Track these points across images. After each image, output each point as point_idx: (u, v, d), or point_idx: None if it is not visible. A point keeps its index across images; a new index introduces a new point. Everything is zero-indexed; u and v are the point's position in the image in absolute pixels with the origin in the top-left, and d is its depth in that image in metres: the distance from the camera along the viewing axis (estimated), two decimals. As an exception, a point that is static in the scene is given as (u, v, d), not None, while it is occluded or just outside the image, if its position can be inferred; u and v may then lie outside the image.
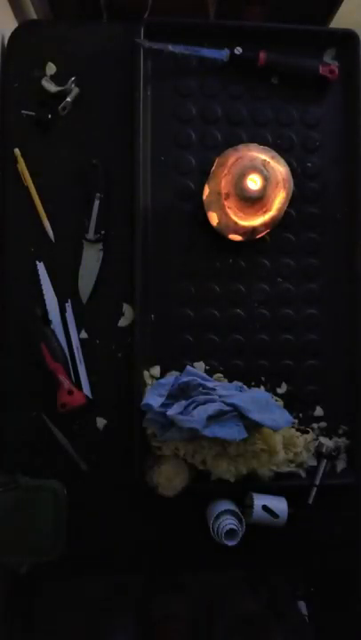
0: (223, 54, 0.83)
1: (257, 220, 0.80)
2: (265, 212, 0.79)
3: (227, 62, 0.83)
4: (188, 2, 0.92)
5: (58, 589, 0.86)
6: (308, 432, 0.85)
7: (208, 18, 0.95)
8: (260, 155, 0.79)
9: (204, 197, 0.81)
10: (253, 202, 0.78)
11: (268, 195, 0.78)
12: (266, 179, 0.77)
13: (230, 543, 0.78)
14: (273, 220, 0.80)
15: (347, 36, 0.85)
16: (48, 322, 0.81)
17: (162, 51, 0.82)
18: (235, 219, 0.79)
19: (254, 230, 0.80)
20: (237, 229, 0.80)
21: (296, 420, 0.84)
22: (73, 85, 0.82)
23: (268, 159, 0.79)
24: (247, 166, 0.78)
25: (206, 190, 0.81)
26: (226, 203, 0.79)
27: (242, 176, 0.77)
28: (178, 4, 0.89)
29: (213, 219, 0.81)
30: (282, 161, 0.80)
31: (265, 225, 0.80)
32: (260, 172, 0.77)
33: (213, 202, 0.80)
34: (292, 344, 0.85)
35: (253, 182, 0.78)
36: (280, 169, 0.79)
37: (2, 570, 0.82)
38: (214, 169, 0.81)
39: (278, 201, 0.79)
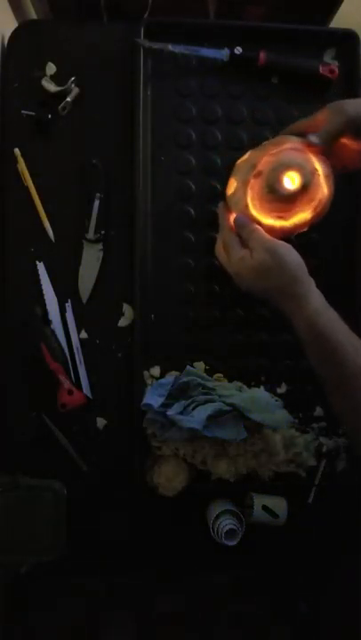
0: (223, 54, 0.83)
1: (284, 222, 0.72)
2: (295, 215, 0.71)
3: (227, 62, 0.83)
4: (188, 2, 0.92)
5: (58, 589, 0.86)
6: (308, 432, 0.85)
7: (208, 18, 0.95)
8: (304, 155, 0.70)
9: (229, 193, 0.74)
10: (285, 201, 0.69)
11: (301, 197, 0.69)
12: (305, 179, 0.68)
13: (230, 543, 0.78)
14: (301, 224, 0.72)
15: (347, 35, 0.85)
16: (48, 322, 0.81)
17: (162, 51, 0.82)
18: (259, 217, 0.71)
19: (276, 231, 0.72)
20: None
21: (296, 420, 0.84)
22: (73, 85, 0.82)
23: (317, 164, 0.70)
24: (286, 162, 0.69)
25: (232, 184, 0.74)
26: (253, 199, 0.71)
27: (278, 172, 0.68)
28: (178, 3, 0.89)
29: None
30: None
31: (298, 226, 0.72)
32: (299, 169, 0.68)
33: (239, 200, 0.72)
34: (292, 344, 0.85)
35: (291, 180, 0.68)
36: (321, 167, 0.70)
37: (2, 570, 0.82)
38: (242, 165, 0.73)
39: (312, 206, 0.71)
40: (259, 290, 0.70)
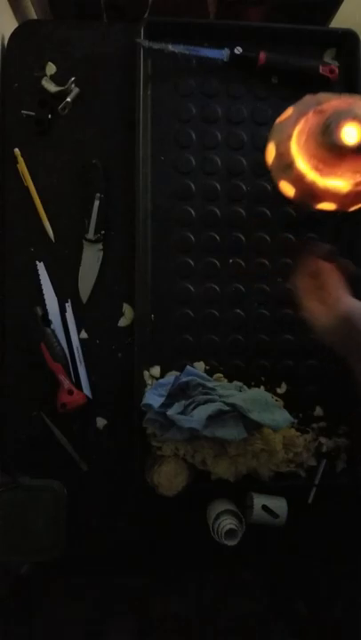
0: (223, 54, 0.83)
1: (318, 177, 0.62)
2: (333, 176, 0.62)
3: (227, 62, 0.83)
4: (188, 2, 0.92)
5: (58, 589, 0.86)
6: (308, 432, 0.85)
7: (208, 18, 0.95)
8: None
9: (280, 119, 0.65)
10: (332, 152, 0.60)
11: (350, 160, 0.60)
12: None
13: (230, 543, 0.78)
14: (333, 193, 0.63)
15: (347, 35, 0.85)
16: (48, 322, 0.81)
17: (162, 51, 0.82)
18: (295, 155, 0.62)
19: (305, 182, 0.62)
20: (321, 193, 0.61)
21: (296, 420, 0.84)
22: (73, 85, 0.83)
23: None
24: (355, 113, 0.60)
25: (271, 151, 0.65)
26: (300, 133, 0.62)
27: (342, 117, 0.59)
28: (178, 3, 0.89)
29: (288, 188, 0.65)
30: None
31: (327, 194, 0.62)
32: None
33: (284, 167, 0.62)
34: (292, 344, 0.85)
35: (350, 133, 0.59)
36: None
37: (2, 570, 0.82)
38: (282, 120, 0.64)
39: None
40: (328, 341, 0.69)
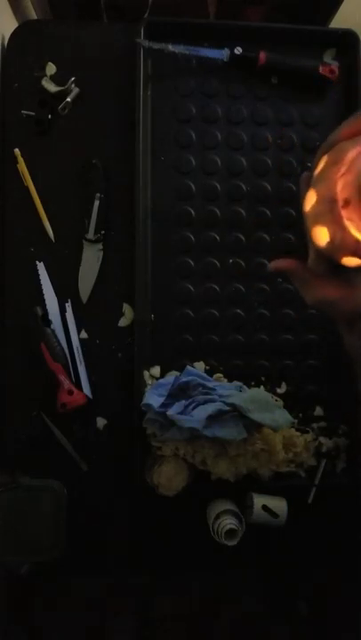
0: (223, 54, 0.83)
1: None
2: None
3: (227, 62, 0.83)
4: (188, 2, 0.92)
5: (58, 589, 0.86)
6: (308, 432, 0.85)
7: (208, 18, 0.95)
8: None
9: (308, 208, 0.58)
10: None
11: None
12: None
13: (230, 543, 0.78)
14: None
15: (347, 35, 0.85)
16: (48, 322, 0.81)
17: (162, 51, 0.82)
18: (357, 235, 0.53)
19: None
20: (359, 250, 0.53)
21: (296, 420, 0.84)
22: (73, 85, 0.83)
23: None
24: None
25: (312, 198, 0.57)
26: (344, 213, 0.53)
27: None
28: (178, 3, 0.89)
29: (322, 236, 0.57)
30: None
31: None
32: None
33: (323, 213, 0.55)
34: (292, 344, 0.85)
35: None
36: None
37: (2, 570, 0.82)
38: (323, 168, 0.57)
39: None
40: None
